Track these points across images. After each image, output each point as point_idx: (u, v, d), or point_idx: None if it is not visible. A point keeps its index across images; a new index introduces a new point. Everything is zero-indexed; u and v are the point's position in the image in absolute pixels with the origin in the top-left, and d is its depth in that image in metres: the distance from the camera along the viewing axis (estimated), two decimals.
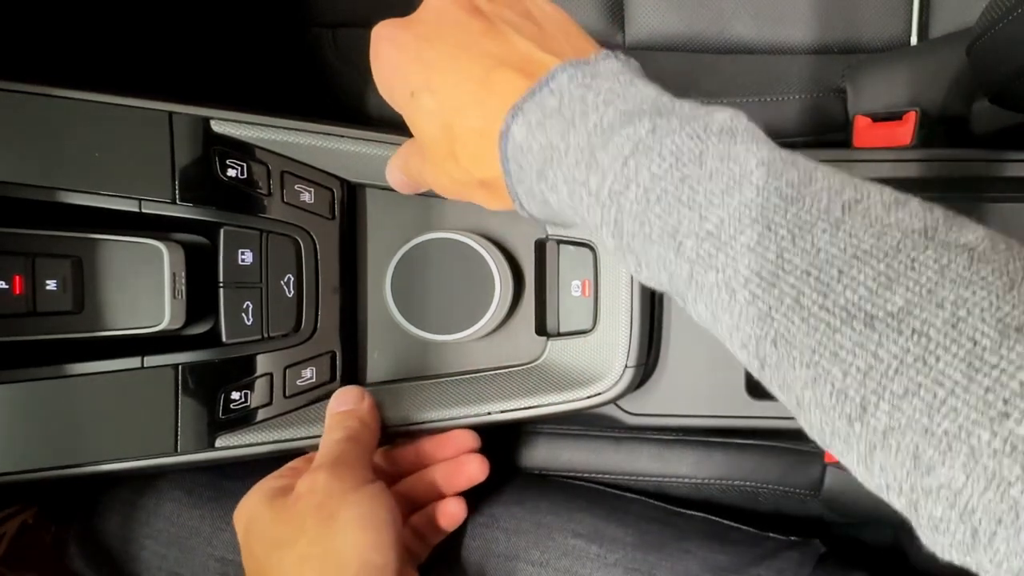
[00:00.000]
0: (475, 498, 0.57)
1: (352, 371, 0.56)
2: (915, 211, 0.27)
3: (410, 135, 0.40)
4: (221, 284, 0.51)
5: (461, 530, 0.57)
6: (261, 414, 0.52)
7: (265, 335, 0.51)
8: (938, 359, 0.24)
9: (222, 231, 0.50)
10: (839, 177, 0.29)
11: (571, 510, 0.59)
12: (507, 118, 0.34)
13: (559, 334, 0.55)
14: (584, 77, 0.34)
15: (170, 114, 0.49)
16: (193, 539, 0.58)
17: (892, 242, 0.26)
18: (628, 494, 0.66)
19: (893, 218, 0.27)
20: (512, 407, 0.53)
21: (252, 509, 0.47)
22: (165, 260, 0.49)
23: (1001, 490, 0.22)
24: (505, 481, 0.61)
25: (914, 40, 0.67)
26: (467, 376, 0.56)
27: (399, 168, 0.44)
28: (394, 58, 0.38)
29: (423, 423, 0.53)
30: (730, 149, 0.30)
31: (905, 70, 0.60)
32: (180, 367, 0.50)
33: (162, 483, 0.60)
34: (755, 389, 0.56)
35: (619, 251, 0.33)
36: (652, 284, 0.33)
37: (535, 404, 0.53)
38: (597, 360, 0.54)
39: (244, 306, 0.51)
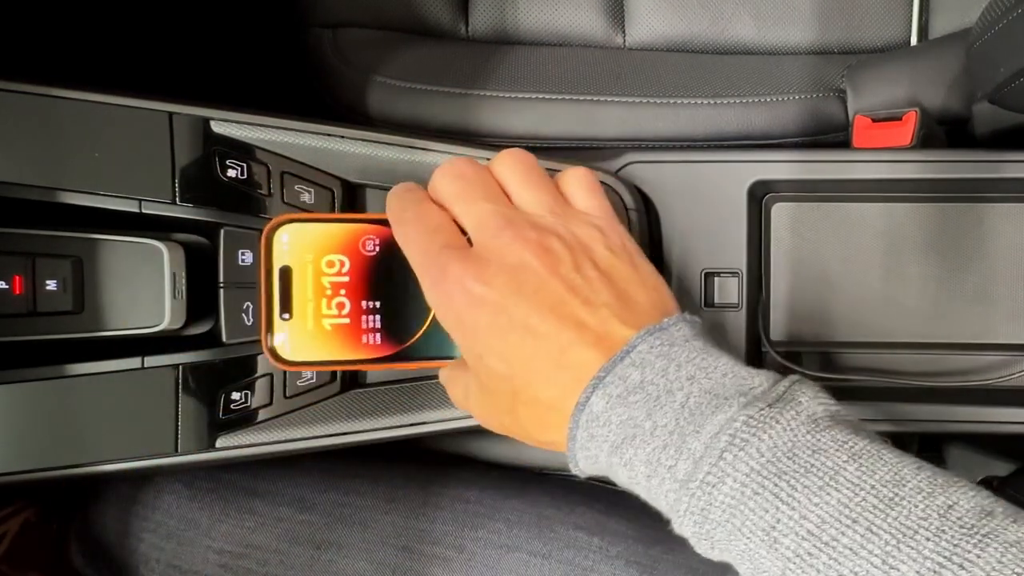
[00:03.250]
0: (475, 490, 0.56)
1: (353, 371, 0.56)
2: (1003, 522, 0.28)
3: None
4: (221, 284, 0.51)
5: (460, 519, 0.57)
6: (262, 414, 0.52)
7: None
8: None
9: (222, 231, 0.50)
10: (923, 474, 0.30)
11: (572, 503, 0.59)
12: (586, 390, 0.34)
13: None
14: (662, 346, 0.34)
15: (170, 114, 0.49)
16: (191, 531, 0.58)
17: (996, 554, 0.26)
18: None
19: (987, 528, 0.27)
20: None
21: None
22: (165, 260, 0.49)
23: None
24: (505, 476, 0.61)
25: (914, 40, 0.67)
26: None
27: (445, 381, 0.46)
28: (468, 315, 0.37)
29: (424, 424, 0.53)
30: (818, 440, 0.31)
31: (905, 70, 0.60)
32: (180, 367, 0.50)
33: (160, 476, 0.60)
34: None
35: (695, 536, 0.33)
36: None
37: None
38: None
39: (244, 306, 0.51)
